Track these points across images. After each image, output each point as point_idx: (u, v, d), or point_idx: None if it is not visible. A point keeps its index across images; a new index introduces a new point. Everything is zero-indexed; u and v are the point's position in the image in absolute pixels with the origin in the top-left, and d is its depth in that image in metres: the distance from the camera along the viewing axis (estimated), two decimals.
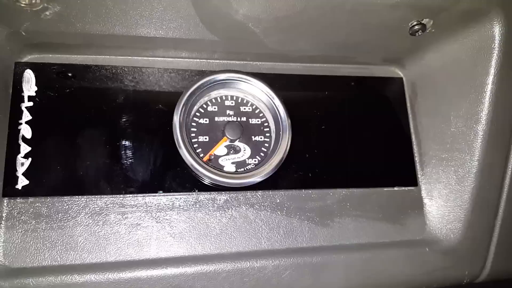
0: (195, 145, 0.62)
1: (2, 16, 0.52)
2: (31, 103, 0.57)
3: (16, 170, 0.55)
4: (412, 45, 0.66)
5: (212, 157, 0.63)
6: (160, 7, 0.53)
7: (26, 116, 0.57)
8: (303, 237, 0.62)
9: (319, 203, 0.64)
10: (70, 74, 0.60)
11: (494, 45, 0.60)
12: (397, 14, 0.57)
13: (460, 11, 0.58)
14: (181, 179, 0.60)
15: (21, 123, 0.56)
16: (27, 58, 0.60)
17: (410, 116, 0.72)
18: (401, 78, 0.73)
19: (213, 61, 0.67)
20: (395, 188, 0.68)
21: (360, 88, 0.71)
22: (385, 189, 0.68)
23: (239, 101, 0.66)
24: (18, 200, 0.55)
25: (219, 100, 0.66)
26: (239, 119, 0.65)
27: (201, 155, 0.62)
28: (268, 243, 0.61)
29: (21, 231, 0.54)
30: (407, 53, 0.69)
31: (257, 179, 0.61)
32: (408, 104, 0.72)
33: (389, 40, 0.64)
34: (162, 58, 0.65)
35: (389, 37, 0.63)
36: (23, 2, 0.49)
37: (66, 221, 0.55)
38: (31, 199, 0.55)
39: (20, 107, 0.57)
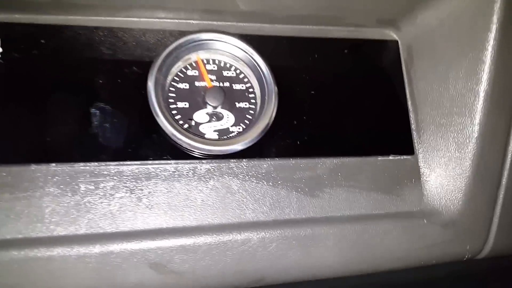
0: (174, 111, 0.58)
1: None
2: None
3: None
4: (407, 3, 0.62)
5: (193, 123, 0.58)
6: None
7: None
8: (291, 209, 0.58)
9: (309, 173, 0.60)
10: (38, 35, 0.56)
11: None
12: None
13: None
14: (159, 147, 0.55)
15: None
16: None
17: (406, 80, 0.67)
18: (396, 41, 0.69)
19: (192, 21, 0.62)
20: (390, 157, 0.64)
21: (353, 52, 0.66)
22: (380, 158, 0.63)
23: (222, 65, 0.62)
24: None
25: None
26: (221, 84, 0.61)
27: (180, 122, 0.58)
28: (253, 214, 0.57)
29: None
30: (402, 12, 0.64)
31: (240, 146, 0.56)
32: (404, 68, 0.67)
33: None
34: (137, 19, 0.60)
35: None
36: None
37: (32, 191, 0.51)
38: None
39: None
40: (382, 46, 0.67)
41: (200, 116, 0.59)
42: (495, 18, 0.56)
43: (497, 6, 0.56)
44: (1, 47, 0.54)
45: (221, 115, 0.60)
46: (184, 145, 0.55)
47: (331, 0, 0.59)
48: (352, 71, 0.65)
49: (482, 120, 0.59)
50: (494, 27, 0.57)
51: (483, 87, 0.58)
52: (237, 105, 0.61)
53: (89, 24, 0.58)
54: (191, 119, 0.58)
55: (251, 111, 0.61)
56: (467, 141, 0.60)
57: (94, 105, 0.55)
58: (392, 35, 0.69)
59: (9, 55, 0.54)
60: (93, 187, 0.53)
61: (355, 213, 0.60)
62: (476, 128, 0.59)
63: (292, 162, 0.60)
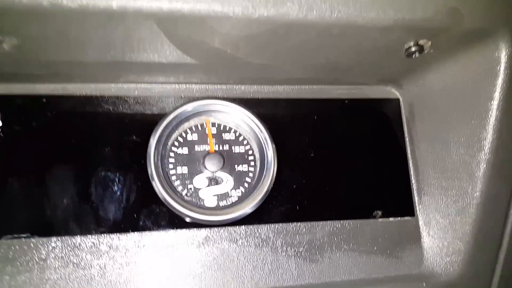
0: (173, 177, 0.58)
1: None
2: None
3: None
4: (409, 66, 0.61)
5: (191, 190, 0.59)
6: (127, 33, 0.49)
7: None
8: (290, 275, 0.58)
9: (308, 237, 0.60)
10: (36, 106, 0.56)
11: (499, 68, 0.54)
12: (391, 36, 0.52)
13: (462, 31, 0.52)
14: (156, 216, 0.56)
15: None
16: None
17: (407, 140, 0.66)
18: (398, 99, 0.68)
19: (192, 85, 0.62)
20: (391, 219, 0.64)
21: (353, 111, 0.66)
22: (380, 220, 0.63)
23: (222, 128, 0.62)
24: None
25: (200, 128, 0.61)
26: (221, 147, 0.61)
27: (179, 189, 0.58)
28: (252, 282, 0.57)
29: None
30: (404, 73, 0.64)
31: (240, 214, 0.57)
32: (405, 128, 0.67)
33: (383, 62, 0.59)
34: (136, 84, 0.60)
35: (384, 59, 0.58)
36: None
37: (34, 264, 0.52)
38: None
39: None
40: (384, 104, 0.67)
41: (199, 181, 0.59)
42: (498, 87, 0.55)
43: (501, 75, 0.55)
44: (1, 120, 0.55)
45: (220, 179, 0.60)
46: (183, 216, 0.56)
47: (330, 64, 0.58)
48: (352, 130, 0.65)
49: (483, 187, 0.58)
50: (497, 96, 0.56)
51: (484, 155, 0.57)
52: (237, 168, 0.61)
53: (87, 91, 0.58)
54: (191, 185, 0.59)
55: (250, 174, 0.61)
56: (468, 206, 0.60)
57: (93, 176, 0.55)
58: (394, 92, 0.68)
59: (9, 128, 0.54)
60: (93, 258, 0.53)
61: (354, 278, 0.60)
62: (478, 194, 0.59)
63: (291, 226, 0.60)
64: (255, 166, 0.61)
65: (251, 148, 0.62)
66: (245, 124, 0.61)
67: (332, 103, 0.65)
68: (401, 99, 0.68)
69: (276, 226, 0.59)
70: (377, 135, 0.65)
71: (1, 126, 0.54)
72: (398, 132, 0.66)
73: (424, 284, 0.62)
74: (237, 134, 0.62)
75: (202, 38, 0.49)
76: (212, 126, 0.62)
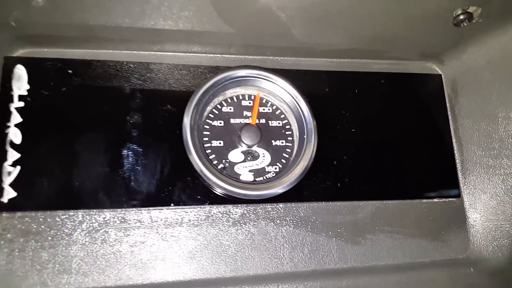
0: (208, 151, 0.55)
1: None
2: (21, 103, 0.50)
3: (2, 181, 0.48)
4: (454, 37, 0.58)
5: (227, 164, 0.55)
6: None
7: (16, 118, 0.50)
8: (331, 257, 0.54)
9: (349, 218, 0.56)
10: (67, 71, 0.53)
11: None
12: (443, 0, 0.49)
13: None
14: (192, 190, 0.52)
15: (9, 126, 0.49)
16: (18, 53, 0.53)
17: (450, 117, 0.63)
18: (440, 75, 0.65)
19: (228, 56, 0.59)
20: (435, 200, 0.60)
21: (394, 86, 0.62)
22: (424, 201, 0.59)
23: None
24: (4, 215, 0.47)
25: (235, 100, 0.58)
26: (257, 121, 0.58)
27: (215, 162, 0.54)
28: (291, 264, 0.53)
29: (7, 251, 0.46)
30: (447, 47, 0.61)
31: (278, 190, 0.53)
32: (448, 105, 0.64)
33: (429, 32, 0.56)
34: (171, 53, 0.57)
35: (430, 28, 0.55)
36: None
37: (59, 239, 0.48)
38: (19, 214, 0.48)
39: (9, 108, 0.50)
40: (425, 80, 0.64)
41: (235, 155, 0.56)
42: None
43: None
44: (28, 83, 0.51)
45: (256, 154, 0.56)
46: (219, 189, 0.52)
47: (376, 35, 0.55)
48: (393, 106, 0.61)
49: None
50: None
51: None
52: (274, 143, 0.57)
53: (120, 58, 0.55)
54: (226, 160, 0.55)
55: (288, 150, 0.57)
56: None
57: (126, 146, 0.52)
58: (435, 68, 0.65)
59: (36, 92, 0.51)
60: (122, 235, 0.49)
61: (399, 262, 0.56)
62: None
63: (331, 205, 0.56)
64: (292, 141, 0.58)
65: (288, 123, 0.59)
66: (283, 96, 0.58)
67: (373, 77, 0.62)
68: (442, 75, 0.65)
69: (316, 205, 0.56)
70: (419, 111, 0.62)
71: (28, 89, 0.51)
72: (441, 109, 0.63)
73: (471, 269, 0.58)
74: (274, 107, 0.59)
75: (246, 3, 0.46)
76: (248, 98, 0.58)
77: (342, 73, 0.61)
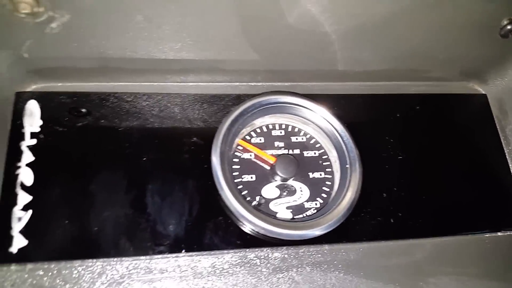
0: (239, 186, 0.49)
1: None
2: (34, 141, 0.45)
3: (11, 228, 0.41)
4: (499, 51, 0.54)
5: (263, 201, 0.49)
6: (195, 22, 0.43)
7: (27, 157, 0.45)
8: None
9: (406, 259, 0.48)
10: (83, 105, 0.48)
11: None
12: (489, 7, 0.45)
13: None
14: (224, 232, 0.45)
15: (19, 167, 0.44)
16: (30, 88, 0.49)
17: (502, 140, 0.57)
18: (484, 95, 0.60)
19: (255, 84, 0.55)
20: (499, 234, 0.52)
21: (437, 109, 0.57)
22: (487, 235, 0.52)
23: (289, 130, 0.54)
24: (13, 267, 0.41)
25: (265, 130, 0.53)
26: (291, 151, 0.52)
27: (248, 199, 0.48)
28: None
29: None
30: (491, 63, 0.56)
31: (323, 229, 0.46)
32: (498, 126, 0.58)
33: (472, 46, 0.52)
34: (193, 83, 0.53)
35: (473, 41, 0.51)
36: (23, 11, 0.39)
37: None
38: (29, 266, 0.41)
39: (20, 147, 0.45)
40: (469, 101, 0.59)
41: (269, 190, 0.50)
42: None
43: None
44: (41, 119, 0.47)
45: (293, 188, 0.50)
46: (255, 229, 0.45)
47: (413, 50, 0.51)
48: (439, 131, 0.56)
49: None
50: None
51: None
52: (311, 175, 0.51)
53: (138, 90, 0.51)
54: (260, 195, 0.49)
55: (327, 182, 0.51)
56: None
57: (148, 186, 0.46)
58: (477, 88, 0.61)
59: (49, 128, 0.46)
60: (148, 286, 0.42)
61: None
62: None
63: (385, 245, 0.49)
64: (332, 172, 0.52)
65: (325, 153, 0.53)
66: (318, 123, 0.52)
67: (413, 99, 0.57)
68: (488, 95, 0.60)
69: (367, 246, 0.48)
70: (467, 135, 0.56)
71: (41, 126, 0.46)
72: (491, 131, 0.57)
73: None
74: (308, 136, 0.54)
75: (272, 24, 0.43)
76: (279, 128, 0.53)
77: (380, 96, 0.56)
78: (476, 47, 0.52)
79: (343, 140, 0.51)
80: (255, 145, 0.51)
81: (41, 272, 0.41)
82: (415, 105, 0.56)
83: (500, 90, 0.59)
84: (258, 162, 0.50)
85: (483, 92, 0.60)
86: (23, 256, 0.41)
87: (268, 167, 0.50)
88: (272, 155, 0.50)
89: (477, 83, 0.60)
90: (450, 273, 0.49)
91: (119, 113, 0.49)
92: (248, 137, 0.52)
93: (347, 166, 0.50)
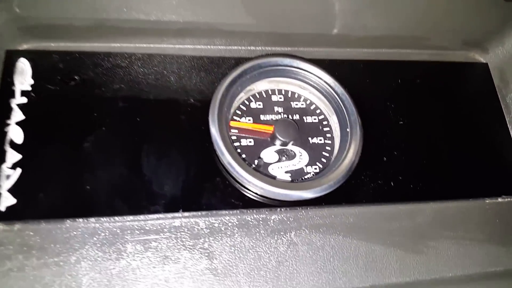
0: (238, 150, 0.47)
1: None
2: (24, 99, 0.44)
3: None
4: (501, 19, 0.53)
5: (262, 163, 0.48)
6: None
7: (17, 115, 0.43)
8: (391, 270, 0.45)
9: (407, 223, 0.48)
10: (77, 65, 0.47)
11: None
12: None
13: None
14: (222, 193, 0.44)
15: (9, 124, 0.42)
16: (22, 47, 0.47)
17: (503, 108, 0.57)
18: (486, 64, 0.59)
19: (254, 48, 0.53)
20: (499, 200, 0.52)
21: (439, 77, 0.56)
22: (488, 200, 0.51)
23: (289, 95, 0.52)
24: (0, 227, 0.39)
25: (264, 95, 0.52)
26: (290, 117, 0.51)
27: (246, 162, 0.47)
28: (345, 279, 0.44)
29: (3, 271, 0.38)
30: (493, 32, 0.56)
31: (322, 190, 0.45)
32: (499, 95, 0.57)
33: (475, 12, 0.51)
34: (191, 46, 0.52)
35: (477, 6, 0.50)
36: None
37: (66, 255, 0.39)
38: (18, 225, 0.39)
39: (9, 104, 0.43)
40: (471, 70, 0.58)
41: (268, 155, 0.48)
42: None
43: None
44: (32, 78, 0.45)
45: (292, 153, 0.49)
46: (254, 189, 0.44)
47: (418, 17, 0.50)
48: (441, 98, 0.55)
49: None
50: None
51: None
52: (311, 140, 0.50)
53: (135, 51, 0.50)
54: (260, 158, 0.48)
55: (327, 148, 0.50)
56: None
57: (144, 145, 0.44)
58: (479, 58, 0.60)
59: (41, 87, 0.45)
60: (142, 248, 0.41)
61: (469, 272, 0.47)
62: None
63: (386, 209, 0.48)
64: (332, 138, 0.51)
65: (325, 118, 0.52)
66: (319, 88, 0.51)
67: (415, 66, 0.56)
68: (489, 65, 0.59)
69: (367, 208, 0.47)
70: (469, 103, 0.56)
71: (32, 85, 0.44)
72: (492, 99, 0.57)
73: None
74: (308, 102, 0.52)
75: None
76: (279, 93, 0.52)
77: (382, 62, 0.55)
78: (479, 14, 0.51)
79: (343, 104, 0.50)
80: (254, 109, 0.50)
81: (29, 232, 0.40)
82: (417, 72, 0.56)
83: (501, 60, 0.58)
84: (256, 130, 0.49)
85: (484, 62, 0.60)
86: (11, 215, 0.39)
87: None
88: (268, 123, 0.49)
89: (478, 52, 0.60)
90: (450, 237, 0.48)
91: (115, 73, 0.47)
92: (246, 102, 0.51)
93: (348, 129, 0.49)
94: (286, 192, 0.44)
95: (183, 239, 0.42)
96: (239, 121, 0.49)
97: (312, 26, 0.51)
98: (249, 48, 0.53)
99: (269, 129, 0.48)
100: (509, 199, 0.52)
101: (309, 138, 0.50)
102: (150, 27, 0.49)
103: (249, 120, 0.50)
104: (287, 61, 0.51)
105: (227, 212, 0.44)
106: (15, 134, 0.42)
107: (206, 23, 0.49)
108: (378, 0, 0.49)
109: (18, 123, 0.43)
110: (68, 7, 0.45)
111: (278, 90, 0.52)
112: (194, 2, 0.46)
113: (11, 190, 0.40)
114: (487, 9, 0.51)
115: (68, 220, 0.40)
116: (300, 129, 0.50)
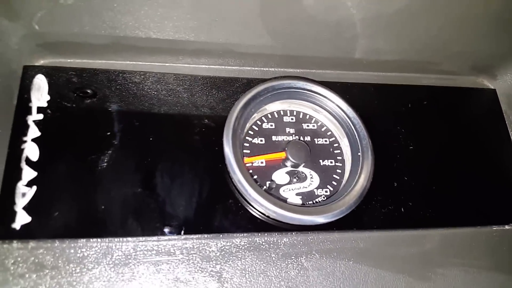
0: (250, 171, 0.48)
1: (7, 3, 0.41)
2: (40, 116, 0.44)
3: (15, 203, 0.40)
4: (511, 46, 0.54)
5: (273, 185, 0.48)
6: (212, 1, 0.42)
7: (33, 132, 0.43)
8: None
9: (416, 249, 0.48)
10: (93, 82, 0.47)
11: None
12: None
13: None
14: (234, 215, 0.44)
15: (25, 141, 0.42)
16: (39, 63, 0.47)
17: (511, 135, 0.57)
18: (494, 90, 0.60)
19: (267, 69, 0.54)
20: (507, 227, 0.52)
21: (448, 102, 0.57)
22: (495, 227, 0.52)
23: (301, 116, 0.53)
24: (15, 244, 0.39)
25: (276, 116, 0.52)
26: (302, 138, 0.51)
27: (258, 183, 0.47)
28: None
29: None
30: (502, 58, 0.57)
31: (335, 216, 0.45)
32: (507, 121, 0.58)
33: (485, 39, 0.52)
34: (205, 66, 0.52)
35: (487, 33, 0.51)
36: None
37: (79, 274, 0.39)
38: (32, 244, 0.39)
39: (26, 121, 0.43)
40: (479, 95, 0.59)
41: (279, 176, 0.49)
42: None
43: None
44: (48, 94, 0.45)
45: (303, 175, 0.49)
46: (267, 213, 0.44)
47: (428, 40, 0.51)
48: (449, 122, 0.56)
49: None
50: None
51: None
52: (322, 162, 0.51)
53: (150, 69, 0.50)
54: (272, 180, 0.48)
55: (338, 170, 0.51)
56: None
57: (157, 166, 0.45)
58: (486, 84, 0.61)
59: (57, 104, 0.45)
60: (155, 270, 0.41)
61: None
62: None
63: (395, 235, 0.48)
64: (343, 160, 0.51)
65: (336, 141, 0.52)
66: (331, 110, 0.52)
67: (425, 90, 0.57)
68: (497, 91, 0.60)
69: (377, 234, 0.48)
70: (477, 129, 0.56)
71: (48, 101, 0.44)
72: (500, 126, 0.58)
73: None
74: (319, 124, 0.53)
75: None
76: (290, 114, 0.53)
77: (393, 86, 0.56)
78: (488, 40, 0.52)
79: (355, 127, 0.50)
80: (266, 130, 0.51)
81: (44, 251, 0.40)
82: (427, 97, 0.56)
83: (509, 86, 0.59)
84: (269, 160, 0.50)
85: (492, 87, 0.60)
86: (26, 233, 0.39)
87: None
88: (280, 145, 0.50)
89: (486, 78, 0.61)
90: (458, 264, 0.48)
91: (130, 92, 0.48)
92: (259, 122, 0.51)
93: (359, 153, 0.49)
94: (299, 217, 0.44)
95: (195, 262, 0.42)
96: (252, 156, 0.49)
97: (325, 49, 0.52)
98: (262, 69, 0.54)
99: (281, 156, 0.49)
100: None
101: (320, 160, 0.51)
102: (167, 47, 0.49)
103: (261, 140, 0.50)
104: (300, 83, 0.51)
105: (238, 234, 0.44)
106: (31, 151, 0.42)
107: (221, 44, 0.50)
108: (390, 25, 0.49)
109: (34, 140, 0.43)
110: (86, 24, 0.45)
111: (290, 111, 0.53)
112: (210, 24, 0.47)
113: (26, 208, 0.40)
114: (496, 36, 0.52)
115: (82, 240, 0.40)
116: (311, 151, 0.50)
